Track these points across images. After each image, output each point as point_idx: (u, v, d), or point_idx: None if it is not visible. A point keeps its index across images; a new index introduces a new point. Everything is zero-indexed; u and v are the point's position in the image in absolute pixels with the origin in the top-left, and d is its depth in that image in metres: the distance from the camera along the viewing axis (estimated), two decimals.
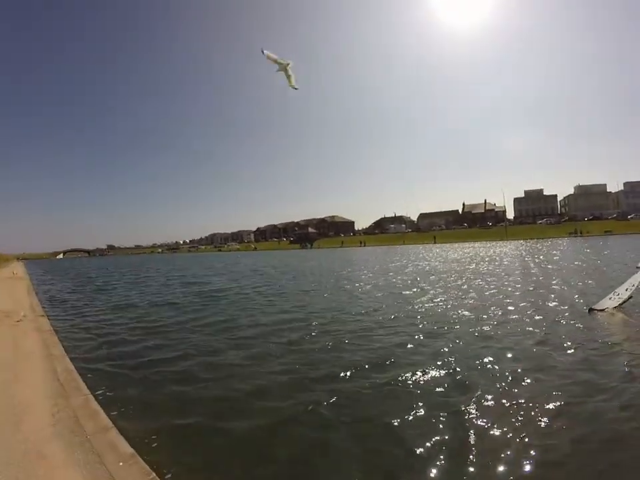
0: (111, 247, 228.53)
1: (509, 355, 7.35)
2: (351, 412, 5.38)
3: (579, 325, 9.32)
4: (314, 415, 5.35)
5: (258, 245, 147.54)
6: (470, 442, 4.47)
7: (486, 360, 7.10)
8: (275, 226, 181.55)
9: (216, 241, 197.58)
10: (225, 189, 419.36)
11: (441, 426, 4.84)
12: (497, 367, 6.74)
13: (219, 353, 8.57)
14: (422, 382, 6.28)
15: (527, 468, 3.98)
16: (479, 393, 5.72)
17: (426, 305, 12.83)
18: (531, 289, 15.23)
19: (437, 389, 5.96)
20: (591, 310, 10.52)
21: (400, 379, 6.45)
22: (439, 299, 13.86)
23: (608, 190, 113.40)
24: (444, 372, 6.64)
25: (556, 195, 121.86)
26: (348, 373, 6.81)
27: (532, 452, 4.23)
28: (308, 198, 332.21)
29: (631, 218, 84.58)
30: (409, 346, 8.28)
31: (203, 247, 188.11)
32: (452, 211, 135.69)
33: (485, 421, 4.90)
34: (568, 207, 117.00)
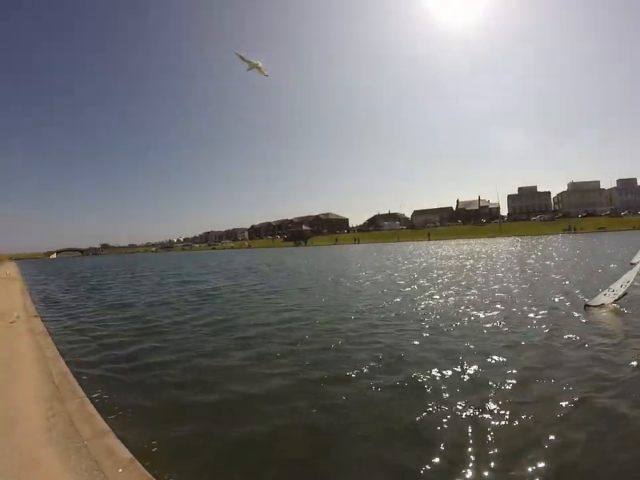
0: (104, 246, 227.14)
1: (514, 352, 7.29)
2: (360, 415, 5.22)
3: (576, 320, 9.37)
4: (319, 419, 5.19)
5: (252, 242, 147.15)
6: (483, 441, 4.42)
7: (491, 356, 7.06)
8: (269, 224, 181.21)
9: (210, 239, 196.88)
10: (219, 187, 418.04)
11: (453, 425, 4.77)
12: (503, 364, 6.70)
13: (217, 354, 8.40)
14: (431, 380, 6.20)
15: (544, 466, 3.93)
16: (488, 390, 5.68)
17: (427, 302, 12.76)
18: (528, 285, 15.23)
19: (446, 388, 5.86)
20: (586, 306, 10.54)
21: (410, 378, 6.36)
22: (439, 296, 13.81)
23: (601, 187, 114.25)
24: (452, 370, 6.55)
25: (549, 192, 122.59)
26: (355, 373, 6.67)
27: (547, 450, 4.19)
28: (302, 196, 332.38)
29: (624, 214, 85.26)
30: (415, 343, 8.20)
31: (197, 245, 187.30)
32: (446, 207, 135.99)
33: (497, 419, 4.85)
34: (561, 203, 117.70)
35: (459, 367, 6.69)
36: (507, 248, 42.39)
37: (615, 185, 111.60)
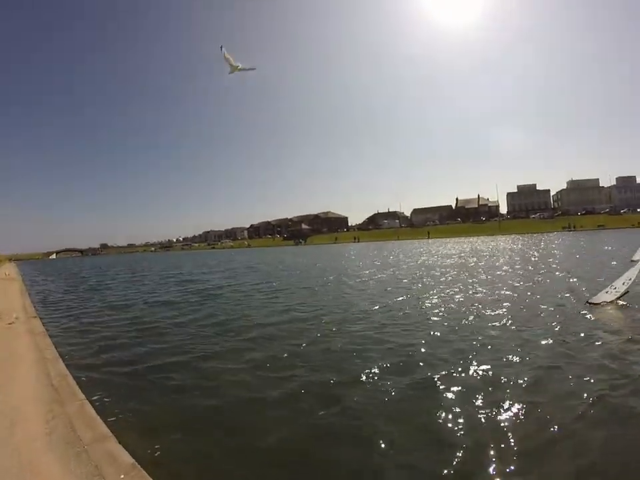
0: (104, 246, 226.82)
1: (523, 350, 7.21)
2: (375, 419, 5.03)
3: (581, 318, 9.33)
4: (329, 425, 5.01)
5: (251, 241, 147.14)
6: (499, 440, 4.34)
7: (501, 355, 7.02)
8: (268, 222, 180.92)
9: (209, 239, 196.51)
10: (218, 186, 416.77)
11: (471, 426, 4.68)
12: (513, 363, 6.64)
13: (221, 356, 8.21)
14: (445, 380, 6.08)
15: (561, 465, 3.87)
16: (499, 389, 5.62)
17: (434, 300, 12.67)
18: (531, 283, 15.15)
19: (459, 388, 5.76)
20: (588, 303, 10.49)
21: (424, 379, 6.25)
22: (445, 294, 13.74)
23: (600, 185, 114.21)
24: (463, 369, 6.47)
25: (549, 190, 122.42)
26: (368, 375, 6.51)
27: (562, 449, 4.13)
28: (301, 195, 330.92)
29: (624, 212, 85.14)
30: (425, 342, 8.10)
31: (197, 244, 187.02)
32: (445, 206, 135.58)
33: (511, 418, 4.80)
34: (561, 201, 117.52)
35: (470, 366, 6.59)
36: (509, 246, 42.33)
37: (614, 182, 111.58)
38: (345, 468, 4.13)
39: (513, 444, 4.26)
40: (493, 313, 10.27)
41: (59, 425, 4.87)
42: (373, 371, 6.68)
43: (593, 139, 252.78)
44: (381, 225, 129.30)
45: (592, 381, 5.73)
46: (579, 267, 18.86)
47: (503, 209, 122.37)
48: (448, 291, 14.37)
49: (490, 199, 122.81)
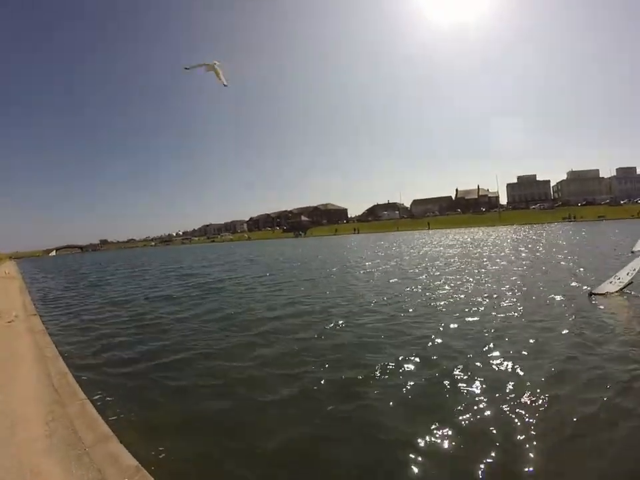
0: (103, 242, 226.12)
1: (539, 341, 7.15)
2: (395, 418, 4.84)
3: (590, 308, 9.27)
4: (340, 425, 4.81)
5: (251, 234, 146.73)
6: (528, 435, 4.27)
7: (520, 346, 6.94)
8: (268, 215, 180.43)
9: (209, 232, 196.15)
10: (217, 180, 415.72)
11: (500, 423, 4.56)
12: (532, 355, 6.54)
13: (226, 353, 7.94)
14: (464, 374, 5.94)
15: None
16: (524, 382, 5.49)
17: (443, 291, 12.57)
18: (540, 273, 15.05)
19: (481, 382, 5.61)
20: (592, 294, 10.38)
21: (443, 371, 6.12)
22: (454, 284, 13.65)
23: (601, 175, 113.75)
24: (481, 362, 6.34)
25: (549, 181, 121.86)
26: (383, 371, 6.30)
27: (590, 443, 4.07)
28: (300, 187, 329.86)
29: (624, 203, 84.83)
30: (441, 334, 7.97)
31: (196, 238, 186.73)
32: (445, 197, 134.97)
33: (537, 412, 4.71)
34: (561, 192, 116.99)
35: (487, 358, 6.52)
36: (511, 236, 42.06)
37: (614, 173, 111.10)
38: (359, 471, 3.96)
39: (539, 438, 4.17)
40: (503, 304, 10.17)
41: (60, 425, 4.75)
42: (387, 364, 6.51)
43: (594, 130, 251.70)
44: (380, 216, 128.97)
45: (612, 371, 5.67)
46: (583, 258, 18.66)
47: (503, 200, 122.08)
48: (455, 281, 14.25)
49: (490, 190, 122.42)
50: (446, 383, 5.70)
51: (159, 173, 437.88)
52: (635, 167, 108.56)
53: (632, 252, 16.98)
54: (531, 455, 3.92)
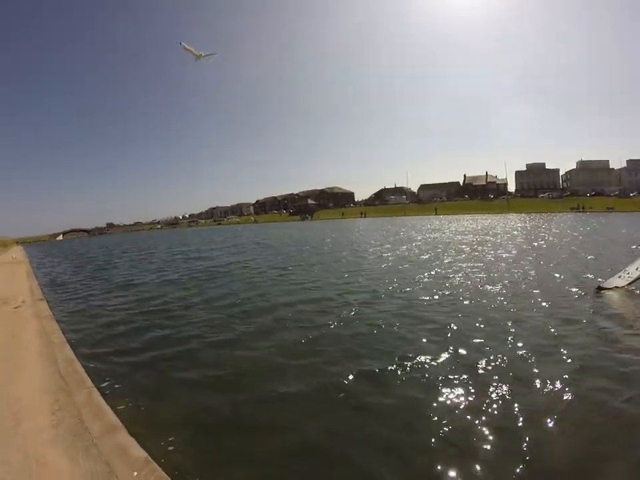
0: (110, 225, 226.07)
1: (561, 334, 7.00)
2: (420, 420, 4.59)
3: (594, 303, 9.05)
4: (364, 422, 4.58)
5: (258, 217, 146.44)
6: (567, 434, 4.15)
7: (545, 338, 6.83)
8: (274, 198, 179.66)
9: (216, 215, 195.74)
10: (223, 162, 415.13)
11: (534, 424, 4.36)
12: (559, 348, 6.37)
13: (238, 340, 7.70)
14: (494, 367, 5.75)
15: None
16: (557, 379, 5.28)
17: (460, 279, 12.29)
18: (553, 264, 14.69)
19: (512, 378, 5.40)
20: (599, 288, 10.13)
21: (472, 363, 5.94)
22: (471, 272, 13.40)
23: (610, 166, 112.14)
24: (513, 357, 6.10)
25: (558, 170, 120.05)
26: (409, 362, 6.04)
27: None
28: (307, 170, 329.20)
29: (633, 196, 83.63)
30: (466, 323, 7.80)
31: (203, 221, 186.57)
32: (453, 182, 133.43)
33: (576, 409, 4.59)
34: (570, 181, 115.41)
35: (516, 350, 6.33)
36: (521, 224, 41.30)
37: (624, 165, 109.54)
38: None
39: (578, 439, 4.06)
40: (525, 294, 10.04)
41: (67, 415, 4.64)
42: (413, 356, 6.26)
43: (604, 119, 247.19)
44: (387, 201, 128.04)
45: (613, 364, 5.68)
46: (595, 250, 17.89)
47: (511, 188, 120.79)
48: (472, 269, 13.98)
49: (498, 177, 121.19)
50: (472, 375, 5.52)
51: (165, 155, 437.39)
52: None
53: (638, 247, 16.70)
54: (559, 451, 3.80)
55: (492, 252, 18.52)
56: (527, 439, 4.02)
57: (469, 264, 15.06)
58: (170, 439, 4.32)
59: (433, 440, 4.11)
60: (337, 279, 13.53)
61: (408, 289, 11.12)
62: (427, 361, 6.06)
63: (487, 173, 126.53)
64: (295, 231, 53.95)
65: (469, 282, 11.69)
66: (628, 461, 3.71)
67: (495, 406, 4.65)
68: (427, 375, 5.58)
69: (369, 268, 15.70)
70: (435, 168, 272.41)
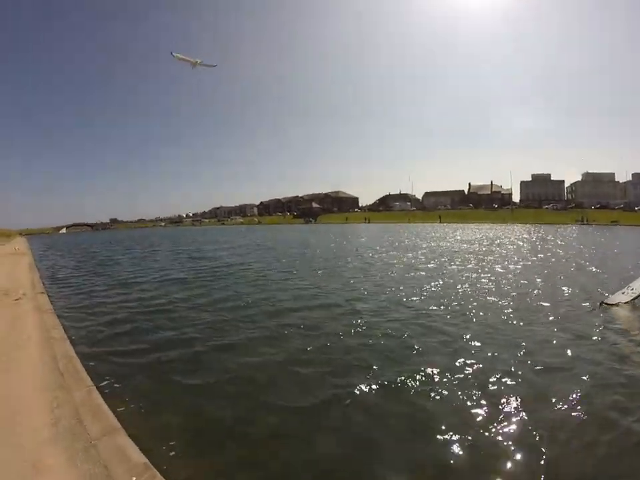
0: (113, 221, 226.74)
1: (574, 351, 6.84)
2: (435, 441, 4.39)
3: (601, 318, 8.91)
4: (377, 438, 4.41)
5: (262, 219, 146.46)
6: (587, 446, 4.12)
7: (559, 353, 6.74)
8: (278, 200, 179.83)
9: (220, 215, 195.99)
10: (228, 162, 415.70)
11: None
12: (571, 363, 6.33)
13: (242, 345, 7.55)
14: (509, 382, 5.63)
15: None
16: (572, 393, 5.23)
17: (468, 289, 12.17)
18: (561, 277, 14.42)
19: (528, 391, 5.33)
20: (602, 304, 9.97)
21: (486, 376, 5.81)
22: (479, 282, 13.26)
23: (616, 179, 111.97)
24: (528, 371, 6.00)
25: (563, 181, 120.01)
26: (423, 373, 5.92)
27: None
28: (312, 174, 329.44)
29: (639, 209, 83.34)
30: (478, 335, 7.68)
31: (207, 220, 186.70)
32: (458, 190, 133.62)
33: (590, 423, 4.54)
34: (575, 193, 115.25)
35: (527, 365, 6.21)
36: (527, 236, 40.95)
37: (630, 178, 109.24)
38: None
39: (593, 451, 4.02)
40: (533, 307, 9.93)
41: (65, 414, 4.52)
42: (424, 368, 6.10)
43: (612, 129, 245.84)
44: (392, 207, 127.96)
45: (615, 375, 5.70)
46: (609, 263, 17.86)
47: (516, 197, 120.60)
48: (479, 279, 13.81)
49: (503, 187, 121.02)
50: (483, 389, 5.41)
51: (169, 153, 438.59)
52: None
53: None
54: (568, 467, 3.77)
55: (499, 262, 18.35)
56: (537, 455, 3.95)
57: (476, 274, 14.87)
58: (171, 444, 4.19)
59: (442, 454, 4.02)
60: (342, 285, 13.37)
61: (415, 298, 10.94)
62: (438, 373, 5.92)
63: (491, 182, 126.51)
64: (299, 234, 53.75)
65: (477, 293, 11.54)
66: None
67: (505, 422, 4.54)
68: (437, 388, 5.43)
69: (375, 275, 15.51)
70: (435, 169, 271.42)
